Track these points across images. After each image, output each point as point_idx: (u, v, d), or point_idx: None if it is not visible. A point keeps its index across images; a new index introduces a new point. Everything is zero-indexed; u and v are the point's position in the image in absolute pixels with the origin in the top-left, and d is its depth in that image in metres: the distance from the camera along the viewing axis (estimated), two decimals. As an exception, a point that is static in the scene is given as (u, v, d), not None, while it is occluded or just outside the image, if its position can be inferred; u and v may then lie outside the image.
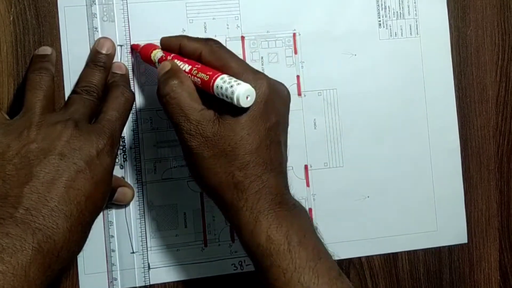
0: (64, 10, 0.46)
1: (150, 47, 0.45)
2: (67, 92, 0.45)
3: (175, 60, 0.42)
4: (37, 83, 0.41)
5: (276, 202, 0.38)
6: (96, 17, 0.46)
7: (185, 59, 0.41)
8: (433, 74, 0.50)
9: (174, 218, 0.47)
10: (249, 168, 0.38)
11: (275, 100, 0.39)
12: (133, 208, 0.47)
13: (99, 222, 0.46)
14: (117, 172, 0.46)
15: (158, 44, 0.44)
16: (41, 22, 0.46)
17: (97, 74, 0.44)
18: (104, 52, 0.45)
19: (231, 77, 0.38)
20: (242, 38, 0.48)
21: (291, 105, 0.49)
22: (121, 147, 0.46)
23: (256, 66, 0.48)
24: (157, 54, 0.43)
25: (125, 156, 0.47)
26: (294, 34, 0.49)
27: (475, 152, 0.51)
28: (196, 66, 0.40)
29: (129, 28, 0.47)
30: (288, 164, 0.48)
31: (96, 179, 0.39)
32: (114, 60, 0.46)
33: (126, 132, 0.46)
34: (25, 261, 0.34)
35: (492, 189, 0.52)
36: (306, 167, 0.49)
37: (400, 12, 0.50)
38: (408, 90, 0.50)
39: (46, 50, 0.44)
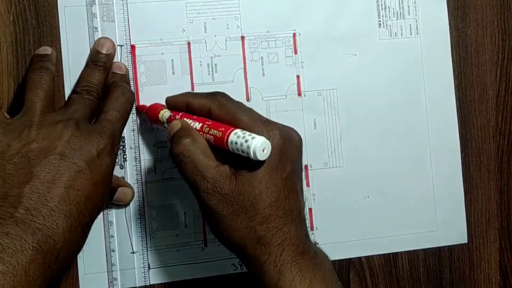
0: (64, 10, 0.46)
1: (157, 107, 0.45)
2: (67, 92, 0.45)
3: (185, 119, 0.41)
4: (37, 83, 0.41)
5: (299, 253, 0.38)
6: (96, 17, 0.46)
7: (194, 117, 0.41)
8: (433, 74, 0.50)
9: (174, 218, 0.47)
10: (270, 222, 0.38)
11: (288, 148, 0.39)
12: (133, 208, 0.47)
13: (99, 222, 0.46)
14: (117, 172, 0.46)
15: (163, 103, 0.45)
16: (41, 22, 0.46)
17: (97, 74, 0.44)
18: (104, 52, 0.45)
19: (244, 131, 0.38)
20: (242, 38, 0.48)
21: (291, 105, 0.49)
22: (121, 147, 0.46)
23: (256, 66, 0.48)
24: (165, 114, 0.43)
25: (125, 156, 0.47)
26: (294, 34, 0.49)
27: (475, 152, 0.51)
28: (207, 123, 0.40)
29: (129, 28, 0.47)
30: (288, 164, 0.48)
31: (96, 179, 0.39)
32: (114, 60, 0.46)
33: (126, 132, 0.46)
34: (25, 261, 0.34)
35: (492, 189, 0.52)
36: (306, 167, 0.49)
37: (400, 12, 0.50)
38: (408, 90, 0.50)
39: (46, 50, 0.44)
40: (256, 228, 0.38)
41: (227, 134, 0.38)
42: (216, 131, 0.39)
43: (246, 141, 0.37)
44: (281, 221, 0.38)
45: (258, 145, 0.36)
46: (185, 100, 0.43)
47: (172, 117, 0.43)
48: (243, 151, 0.37)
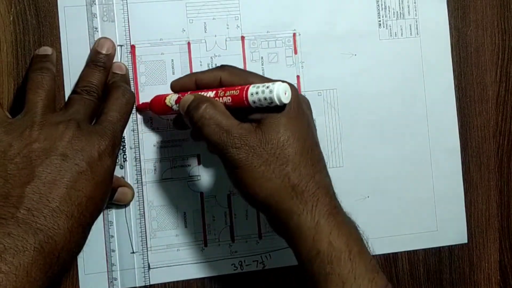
0: (64, 10, 0.46)
1: (161, 96, 0.45)
2: (67, 92, 0.45)
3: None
4: (38, 83, 0.41)
5: (333, 206, 0.38)
6: (96, 17, 0.46)
7: (205, 90, 0.42)
8: (433, 74, 0.50)
9: (174, 218, 0.47)
10: (302, 168, 0.38)
11: (301, 102, 0.40)
12: (133, 208, 0.47)
13: (99, 222, 0.46)
14: (117, 172, 0.46)
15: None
16: (41, 22, 0.46)
17: (97, 74, 0.44)
18: (104, 52, 0.45)
19: (261, 84, 0.38)
20: (242, 38, 0.48)
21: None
22: (121, 147, 0.46)
23: (256, 66, 0.48)
24: (173, 97, 0.43)
25: (125, 156, 0.47)
26: (294, 34, 0.49)
27: (475, 152, 0.51)
28: (221, 89, 0.40)
29: (129, 28, 0.47)
30: (288, 164, 0.48)
31: (97, 180, 0.39)
32: (114, 60, 0.46)
33: (126, 132, 0.46)
34: (27, 262, 0.34)
35: (492, 189, 0.52)
36: (306, 167, 0.49)
37: (400, 12, 0.50)
38: (408, 90, 0.50)
39: (47, 50, 0.44)
40: (290, 176, 0.37)
41: (245, 89, 0.38)
42: (232, 91, 0.39)
43: (267, 87, 0.37)
44: (312, 169, 0.38)
45: (281, 88, 0.37)
46: (193, 78, 0.43)
47: (181, 97, 0.42)
48: (265, 98, 0.37)
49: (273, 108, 0.38)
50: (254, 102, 0.38)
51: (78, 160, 0.38)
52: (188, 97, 0.41)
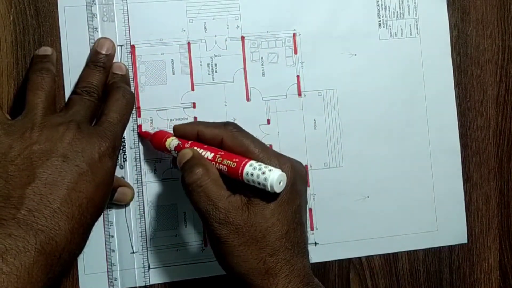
0: (64, 10, 0.46)
1: (163, 134, 0.45)
2: (67, 92, 0.45)
3: (195, 148, 0.42)
4: (38, 84, 0.41)
5: (304, 284, 0.39)
6: (96, 17, 0.46)
7: (205, 146, 0.42)
8: (433, 74, 0.50)
9: (174, 218, 0.47)
10: (279, 253, 0.39)
11: (298, 182, 0.40)
12: (133, 208, 0.47)
13: (99, 222, 0.46)
14: (117, 172, 0.46)
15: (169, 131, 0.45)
16: (41, 22, 0.46)
17: (97, 75, 0.44)
18: (104, 52, 0.45)
19: (259, 163, 0.38)
20: (242, 38, 0.48)
21: (291, 105, 0.49)
22: (121, 147, 0.46)
23: (256, 66, 0.48)
24: (173, 142, 0.43)
25: (125, 156, 0.47)
26: (294, 34, 0.49)
27: (475, 152, 0.51)
28: (219, 153, 0.40)
29: (129, 28, 0.47)
30: (288, 164, 0.48)
31: (98, 181, 0.39)
32: (114, 60, 0.46)
33: (126, 132, 0.46)
34: (28, 263, 0.34)
35: (492, 189, 0.52)
36: (306, 167, 0.49)
37: (400, 12, 0.50)
38: (408, 90, 0.50)
39: (47, 50, 0.44)
40: (266, 260, 0.38)
41: (242, 165, 0.38)
42: (230, 162, 0.39)
43: (263, 173, 0.37)
44: (289, 253, 0.39)
45: (276, 178, 0.37)
46: (195, 129, 0.43)
47: (181, 146, 0.43)
48: (259, 183, 0.37)
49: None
50: (248, 181, 0.38)
51: (79, 162, 0.38)
52: (186, 153, 0.41)
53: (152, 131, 0.46)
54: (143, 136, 0.47)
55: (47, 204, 0.36)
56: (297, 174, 0.40)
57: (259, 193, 0.39)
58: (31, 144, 0.38)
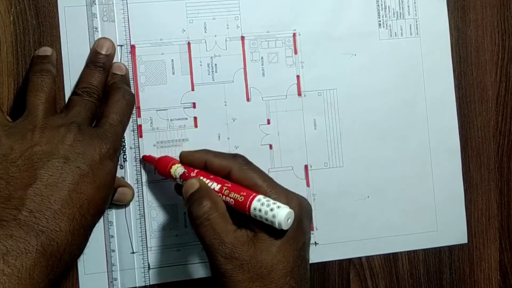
0: (64, 10, 0.46)
1: (168, 160, 0.44)
2: (67, 92, 0.45)
3: (201, 177, 0.41)
4: (39, 85, 0.41)
5: None
6: (96, 17, 0.46)
7: (211, 176, 0.41)
8: (433, 74, 0.50)
9: (174, 218, 0.47)
10: None
11: (304, 219, 0.40)
12: (133, 208, 0.47)
13: (99, 222, 0.46)
14: (117, 172, 0.46)
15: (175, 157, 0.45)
16: (41, 22, 0.46)
17: (97, 75, 0.44)
18: (103, 52, 0.45)
19: (267, 198, 0.38)
20: (242, 38, 0.48)
21: (291, 105, 0.49)
22: (122, 148, 0.46)
23: (256, 66, 0.48)
24: (178, 169, 0.43)
25: (125, 156, 0.47)
26: (294, 34, 0.49)
27: (475, 152, 0.51)
28: (226, 185, 0.40)
29: (129, 28, 0.47)
30: (288, 164, 0.48)
31: (98, 183, 0.39)
32: (114, 60, 0.46)
33: (126, 132, 0.46)
34: (29, 264, 0.34)
35: (492, 189, 0.52)
36: (306, 167, 0.49)
37: (400, 12, 0.50)
38: (408, 90, 0.50)
39: (47, 51, 0.44)
40: None
41: (250, 199, 0.38)
42: (237, 195, 0.39)
43: (272, 209, 0.37)
44: None
45: (284, 215, 0.37)
46: (203, 158, 0.42)
47: (187, 174, 0.42)
48: (267, 219, 0.37)
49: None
50: (255, 216, 0.38)
51: (80, 163, 0.38)
52: (193, 183, 0.40)
53: (156, 156, 0.46)
54: (147, 161, 0.46)
55: (48, 205, 0.36)
56: (304, 211, 0.40)
57: (265, 228, 0.38)
58: (32, 146, 0.38)
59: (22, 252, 0.34)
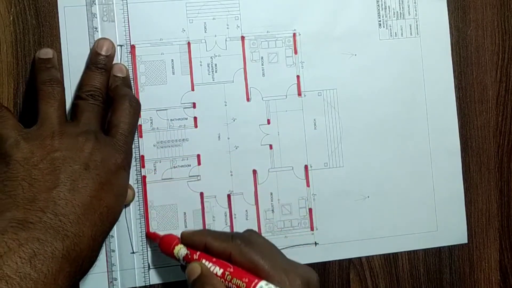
0: (64, 10, 0.46)
1: (171, 240, 0.44)
2: (67, 93, 0.45)
3: (203, 260, 0.41)
4: (50, 94, 0.41)
5: None
6: (96, 17, 0.46)
7: (214, 259, 0.41)
8: (433, 74, 0.50)
9: (174, 218, 0.47)
10: None
11: None
12: (133, 208, 0.47)
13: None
14: (117, 172, 0.46)
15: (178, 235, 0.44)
16: (41, 22, 0.46)
17: (99, 77, 0.44)
18: (103, 53, 0.45)
19: (270, 286, 0.38)
20: (242, 38, 0.48)
21: (291, 105, 0.49)
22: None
23: (256, 66, 0.48)
24: (181, 251, 0.43)
25: (125, 156, 0.47)
26: (294, 34, 0.49)
27: (475, 152, 0.51)
28: (228, 269, 0.40)
29: (129, 28, 0.47)
30: (288, 164, 0.48)
31: (116, 191, 0.39)
32: (115, 61, 0.46)
33: (126, 132, 0.46)
34: (55, 269, 0.33)
35: (492, 189, 0.52)
36: (306, 167, 0.49)
37: (400, 12, 0.50)
38: (408, 90, 0.50)
39: (48, 53, 0.44)
40: None
41: (252, 287, 0.38)
42: (239, 281, 0.39)
43: None
44: None
45: None
46: (203, 240, 0.42)
47: (189, 256, 0.42)
48: None
49: None
50: None
51: (99, 171, 0.38)
52: (195, 269, 0.40)
53: (160, 233, 0.46)
54: (151, 238, 0.46)
55: (72, 209, 0.36)
56: (308, 286, 0.40)
57: None
58: (52, 151, 0.38)
59: (49, 256, 0.33)
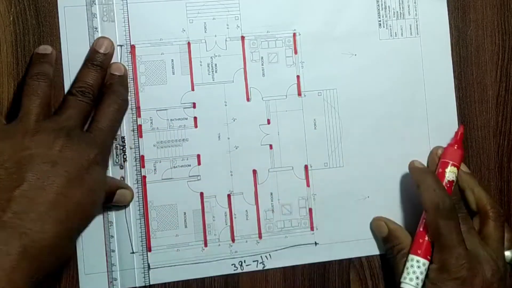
0: (64, 10, 0.46)
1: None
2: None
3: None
4: (34, 89, 0.41)
5: None
6: (96, 17, 0.46)
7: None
8: (433, 74, 0.50)
9: (174, 218, 0.47)
10: None
11: None
12: (133, 208, 0.47)
13: (99, 222, 0.46)
14: (117, 172, 0.46)
15: None
16: (41, 22, 0.46)
17: (93, 74, 0.44)
18: (102, 51, 0.45)
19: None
20: (242, 38, 0.48)
21: (291, 105, 0.49)
22: (121, 147, 0.46)
23: (256, 66, 0.48)
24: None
25: (125, 156, 0.47)
26: (294, 34, 0.49)
27: (475, 152, 0.51)
28: None
29: (129, 28, 0.47)
30: (288, 164, 0.48)
31: (86, 188, 0.39)
32: (114, 60, 0.46)
33: (126, 132, 0.46)
34: (9, 266, 0.33)
35: (492, 189, 0.52)
36: (306, 167, 0.49)
37: (400, 12, 0.50)
38: (408, 90, 0.50)
39: (47, 49, 0.44)
40: None
41: None
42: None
43: None
44: None
45: None
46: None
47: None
48: None
49: None
50: None
51: (68, 168, 0.38)
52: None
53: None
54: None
55: (34, 207, 0.36)
56: None
57: None
58: (22, 150, 0.38)
59: (3, 253, 0.33)
